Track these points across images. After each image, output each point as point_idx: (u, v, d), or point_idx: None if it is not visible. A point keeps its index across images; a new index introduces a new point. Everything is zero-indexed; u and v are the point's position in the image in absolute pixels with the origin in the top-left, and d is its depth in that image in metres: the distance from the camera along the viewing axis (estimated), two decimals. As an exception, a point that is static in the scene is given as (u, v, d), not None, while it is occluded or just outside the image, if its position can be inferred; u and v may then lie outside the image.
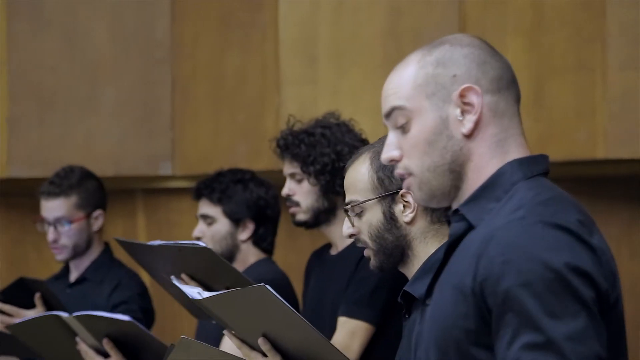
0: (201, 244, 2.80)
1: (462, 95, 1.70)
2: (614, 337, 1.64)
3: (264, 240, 3.46)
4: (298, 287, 3.45)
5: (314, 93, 4.10)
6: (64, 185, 3.67)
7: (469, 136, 1.70)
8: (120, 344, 3.06)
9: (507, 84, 1.72)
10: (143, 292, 3.71)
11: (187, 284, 2.78)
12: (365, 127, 3.26)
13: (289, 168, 3.16)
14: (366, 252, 2.29)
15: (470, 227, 1.69)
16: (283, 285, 3.32)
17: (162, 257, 2.84)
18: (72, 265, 3.76)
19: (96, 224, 3.73)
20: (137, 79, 4.35)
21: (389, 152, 1.74)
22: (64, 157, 4.21)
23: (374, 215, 2.26)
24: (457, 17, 3.84)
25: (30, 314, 3.34)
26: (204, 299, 2.27)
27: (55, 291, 3.44)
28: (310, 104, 4.03)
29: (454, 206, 1.73)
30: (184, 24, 4.33)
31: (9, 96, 4.38)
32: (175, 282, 2.52)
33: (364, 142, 3.10)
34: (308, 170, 3.10)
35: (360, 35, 4.03)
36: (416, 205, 2.22)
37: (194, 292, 2.31)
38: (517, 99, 1.74)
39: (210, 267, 2.74)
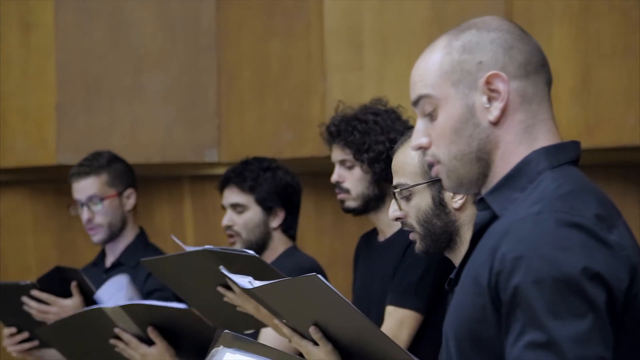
0: (249, 252, 2.77)
1: (488, 82, 1.68)
2: (636, 332, 1.61)
3: (291, 227, 3.48)
4: (345, 273, 3.46)
5: (359, 80, 4.10)
6: (94, 166, 3.71)
7: (495, 123, 1.68)
8: (162, 330, 3.07)
9: (536, 68, 1.70)
10: None
11: (231, 289, 2.74)
12: (412, 113, 3.25)
13: (339, 154, 3.13)
14: (412, 236, 2.27)
15: (495, 216, 1.68)
16: (321, 273, 3.33)
17: (205, 260, 2.80)
18: (107, 249, 3.78)
19: (129, 203, 3.75)
20: (182, 66, 4.37)
21: (417, 140, 1.73)
22: (111, 144, 4.24)
23: (423, 200, 2.24)
24: (503, 3, 3.81)
25: (67, 302, 3.36)
26: (254, 288, 2.27)
27: (91, 277, 3.46)
28: (356, 90, 4.02)
29: (482, 193, 1.72)
30: (229, 11, 4.34)
31: (57, 84, 4.42)
32: (225, 271, 2.51)
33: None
34: (361, 157, 3.08)
35: (405, 22, 4.02)
36: None
37: (245, 281, 2.31)
38: (548, 83, 1.72)
39: (256, 272, 2.74)
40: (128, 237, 3.76)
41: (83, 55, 4.41)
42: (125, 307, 3.01)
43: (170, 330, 3.03)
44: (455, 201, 2.22)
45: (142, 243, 3.77)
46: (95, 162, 3.72)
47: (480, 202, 1.72)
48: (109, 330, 3.04)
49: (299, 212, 3.53)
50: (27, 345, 3.48)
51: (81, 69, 4.42)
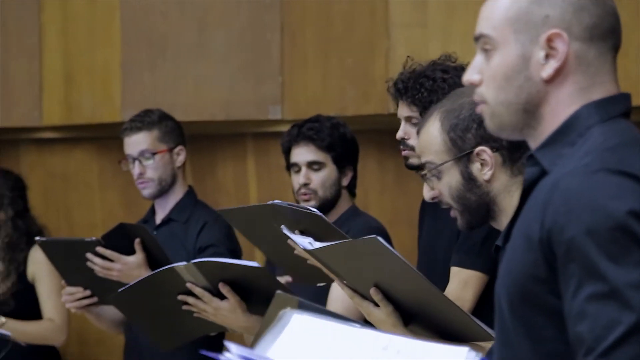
0: (314, 210, 2.77)
1: (549, 40, 1.66)
2: None
3: (355, 185, 3.48)
4: (407, 230, 3.45)
5: (423, 36, 4.06)
6: (145, 121, 3.75)
7: (548, 81, 1.66)
8: (232, 286, 3.09)
9: (603, 34, 1.68)
10: (229, 234, 3.74)
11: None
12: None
13: (406, 111, 3.10)
14: (452, 213, 2.27)
15: (544, 173, 1.67)
16: (386, 234, 3.34)
17: (271, 214, 2.81)
18: (157, 206, 3.82)
19: (178, 160, 3.78)
20: (246, 24, 4.36)
21: (470, 75, 1.72)
22: (175, 101, 4.27)
23: (453, 177, 2.24)
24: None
25: (130, 259, 3.39)
26: (315, 249, 2.28)
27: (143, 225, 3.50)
28: (420, 47, 3.99)
29: (532, 146, 1.71)
30: (292, -33, 4.32)
31: (122, 42, 4.44)
32: (286, 231, 2.50)
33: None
34: None
35: (470, -23, 3.97)
36: (493, 162, 2.19)
37: (306, 242, 2.32)
38: (614, 48, 1.69)
39: (320, 231, 2.74)
40: (177, 193, 3.80)
41: (148, 13, 4.43)
42: (197, 264, 3.02)
43: (241, 286, 3.05)
44: (484, 173, 2.21)
45: (192, 199, 3.81)
46: (147, 118, 3.76)
47: (530, 159, 1.71)
48: (178, 289, 3.06)
49: None
50: (86, 302, 3.52)
51: (146, 27, 4.44)
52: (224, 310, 2.99)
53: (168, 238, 3.68)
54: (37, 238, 3.62)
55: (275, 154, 4.49)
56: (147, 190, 3.75)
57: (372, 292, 2.25)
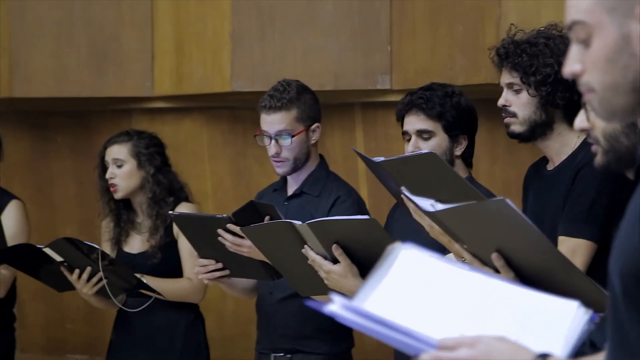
0: (424, 150, 2.74)
1: None
2: None
3: (471, 155, 3.41)
4: (517, 201, 3.39)
5: (536, 4, 3.98)
6: (285, 100, 3.72)
7: None
8: (346, 251, 3.09)
9: None
10: (362, 209, 3.74)
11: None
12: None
13: (507, 77, 3.09)
14: (594, 148, 2.20)
15: None
16: None
17: (386, 171, 2.81)
18: (289, 178, 3.83)
19: (314, 137, 3.78)
20: (355, -8, 4.34)
21: (570, 66, 1.67)
22: (284, 72, 4.27)
23: None
24: None
25: None
26: (437, 211, 2.22)
27: (273, 204, 3.51)
28: (532, 15, 3.91)
29: None
30: None
31: (232, 13, 4.47)
32: (406, 192, 2.47)
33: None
34: (528, 80, 3.02)
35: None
36: None
37: (427, 204, 2.26)
38: None
39: (435, 175, 2.68)
40: (310, 166, 3.80)
41: (256, -18, 4.44)
42: (310, 225, 3.05)
43: (354, 251, 3.04)
44: None
45: (324, 172, 3.81)
46: (286, 96, 3.72)
47: None
48: (300, 243, 3.11)
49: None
50: (217, 274, 3.61)
51: (255, -4, 4.46)
52: (335, 274, 2.99)
53: (298, 210, 3.69)
54: (170, 212, 3.73)
55: (383, 124, 4.47)
56: (282, 169, 3.76)
57: (494, 257, 2.19)
